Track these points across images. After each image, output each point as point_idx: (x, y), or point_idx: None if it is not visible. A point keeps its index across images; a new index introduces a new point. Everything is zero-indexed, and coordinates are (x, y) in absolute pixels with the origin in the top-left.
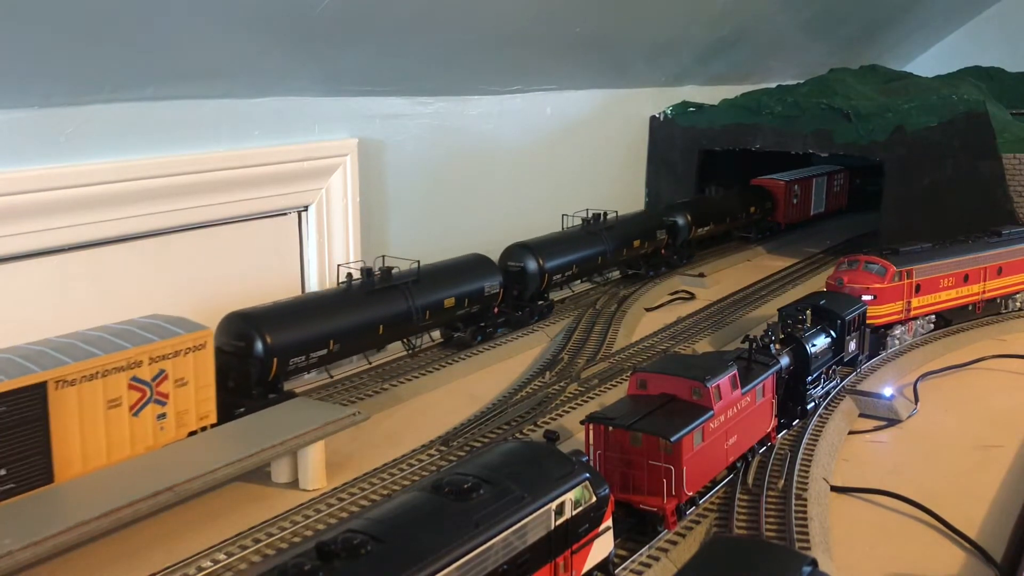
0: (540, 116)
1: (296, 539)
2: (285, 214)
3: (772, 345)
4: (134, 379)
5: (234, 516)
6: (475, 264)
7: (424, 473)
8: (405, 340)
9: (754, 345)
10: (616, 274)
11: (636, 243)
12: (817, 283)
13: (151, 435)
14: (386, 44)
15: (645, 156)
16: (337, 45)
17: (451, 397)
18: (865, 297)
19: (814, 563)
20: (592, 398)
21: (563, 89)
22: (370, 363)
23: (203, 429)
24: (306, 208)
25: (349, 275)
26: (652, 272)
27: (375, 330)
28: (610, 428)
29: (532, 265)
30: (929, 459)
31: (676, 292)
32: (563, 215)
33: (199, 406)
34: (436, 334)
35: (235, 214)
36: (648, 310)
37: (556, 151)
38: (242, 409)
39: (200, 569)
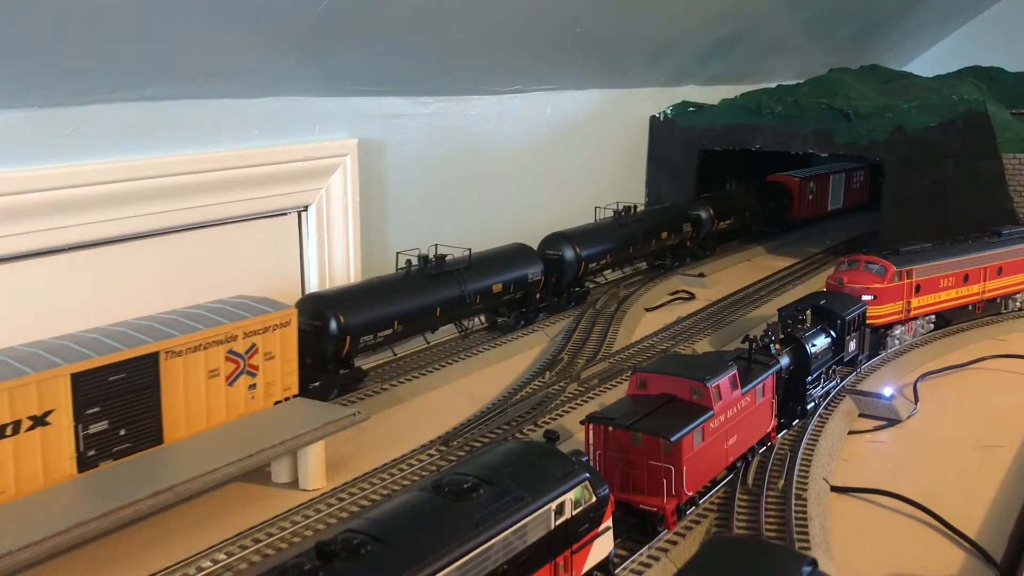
0: (540, 116)
1: (296, 539)
2: (285, 214)
3: (772, 345)
4: (230, 352)
5: (234, 516)
6: (519, 252)
7: (424, 473)
8: (457, 322)
9: (754, 345)
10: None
11: (664, 235)
12: (817, 283)
13: (243, 403)
14: (386, 44)
15: (645, 156)
16: (337, 45)
17: (451, 397)
18: (865, 297)
19: (814, 563)
20: (592, 398)
21: (563, 89)
22: (428, 343)
23: (286, 399)
24: (306, 208)
25: (408, 261)
26: (677, 263)
27: (433, 312)
28: (610, 428)
29: (569, 254)
30: (929, 459)
31: (676, 292)
32: (596, 207)
33: (284, 378)
34: (482, 318)
35: (235, 214)
36: (648, 310)
37: (556, 151)
38: (317, 383)
39: (200, 569)
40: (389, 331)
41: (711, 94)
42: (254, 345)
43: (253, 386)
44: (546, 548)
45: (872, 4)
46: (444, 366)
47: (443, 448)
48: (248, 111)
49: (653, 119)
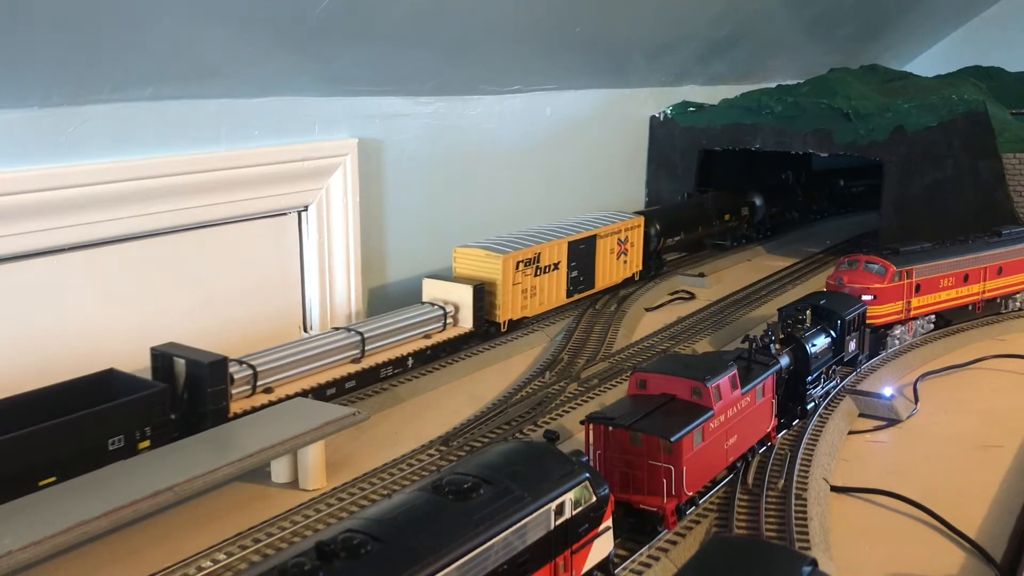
0: (540, 116)
1: (296, 539)
2: (285, 214)
3: (772, 345)
4: (618, 240)
5: (234, 516)
6: (735, 195)
7: (424, 473)
8: (706, 238)
9: (754, 345)
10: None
11: (815, 194)
12: (817, 283)
13: (621, 272)
14: (386, 44)
15: (645, 156)
16: (337, 45)
17: (451, 397)
18: (865, 297)
19: (814, 563)
20: (592, 398)
21: (563, 89)
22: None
23: (634, 276)
24: (306, 208)
25: (679, 196)
26: (820, 216)
27: (697, 228)
28: (610, 428)
29: (759, 201)
30: (929, 459)
31: (676, 292)
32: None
33: (635, 260)
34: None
35: (235, 214)
36: (648, 310)
37: (556, 151)
38: (639, 270)
39: (200, 569)
40: (679, 237)
41: (711, 94)
42: (627, 237)
43: (625, 262)
44: (546, 548)
45: (872, 4)
46: (444, 366)
47: (443, 448)
48: (248, 111)
49: (653, 119)
